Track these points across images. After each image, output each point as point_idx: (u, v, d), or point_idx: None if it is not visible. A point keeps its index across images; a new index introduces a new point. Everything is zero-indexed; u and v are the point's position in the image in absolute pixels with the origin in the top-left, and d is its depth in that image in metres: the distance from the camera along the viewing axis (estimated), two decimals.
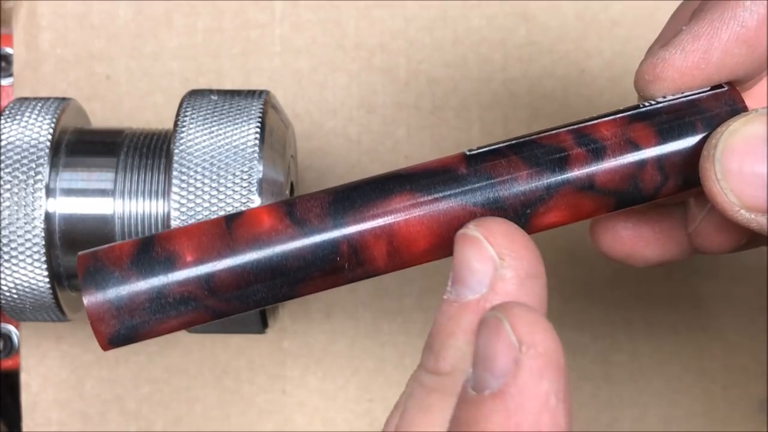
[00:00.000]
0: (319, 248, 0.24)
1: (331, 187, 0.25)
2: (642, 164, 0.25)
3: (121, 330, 0.24)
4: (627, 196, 0.25)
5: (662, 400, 0.42)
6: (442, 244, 0.25)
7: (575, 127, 0.25)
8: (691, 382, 0.42)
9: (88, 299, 0.24)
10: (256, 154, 0.32)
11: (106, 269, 0.24)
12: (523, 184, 0.25)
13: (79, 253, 0.25)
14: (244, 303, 0.25)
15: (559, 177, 0.25)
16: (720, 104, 0.25)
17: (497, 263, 0.22)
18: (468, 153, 0.25)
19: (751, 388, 0.42)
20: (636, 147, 0.25)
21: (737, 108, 0.25)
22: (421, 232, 0.24)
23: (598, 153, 0.25)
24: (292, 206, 0.25)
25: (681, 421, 0.42)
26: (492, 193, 0.24)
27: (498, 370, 0.21)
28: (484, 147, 0.25)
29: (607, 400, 0.42)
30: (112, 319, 0.24)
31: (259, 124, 0.32)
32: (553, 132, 0.25)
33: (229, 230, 0.24)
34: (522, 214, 0.25)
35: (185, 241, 0.24)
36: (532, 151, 0.25)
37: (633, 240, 0.29)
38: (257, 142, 0.32)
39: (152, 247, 0.24)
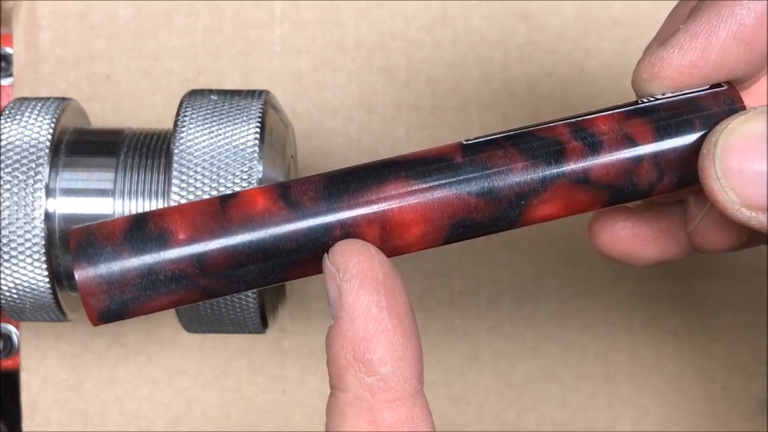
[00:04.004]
0: (312, 231, 0.24)
1: (326, 171, 0.25)
2: (638, 160, 0.25)
3: (112, 305, 0.24)
4: (622, 192, 0.25)
5: (662, 400, 0.42)
6: (435, 232, 0.25)
7: (573, 120, 0.25)
8: (690, 382, 0.42)
9: (79, 273, 0.24)
10: (256, 154, 0.32)
11: (99, 244, 0.24)
12: (518, 176, 0.25)
13: (73, 227, 0.25)
14: (236, 283, 0.25)
15: (555, 170, 0.25)
16: (718, 103, 0.25)
17: (338, 280, 0.23)
18: (465, 142, 0.25)
19: (751, 388, 0.42)
20: (633, 143, 0.25)
21: (735, 107, 0.25)
22: (414, 219, 0.24)
23: (594, 147, 0.25)
24: (287, 189, 0.25)
25: (681, 421, 0.42)
26: (487, 183, 0.25)
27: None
28: (482, 137, 0.25)
29: (606, 400, 0.42)
30: (102, 294, 0.24)
31: (259, 124, 0.32)
32: (551, 125, 0.25)
33: (222, 210, 0.24)
34: (516, 204, 0.25)
35: (179, 219, 0.24)
36: (529, 143, 0.25)
37: (631, 239, 0.29)
38: (257, 142, 0.32)
39: (145, 224, 0.24)
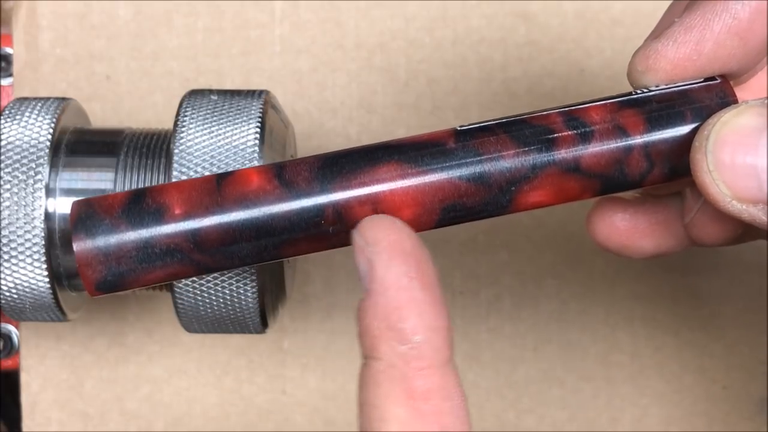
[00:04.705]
0: (305, 211, 0.25)
1: (322, 153, 0.26)
2: (629, 150, 0.25)
3: (108, 276, 0.25)
4: (612, 181, 0.25)
5: (662, 400, 0.42)
6: (426, 215, 0.25)
7: (566, 109, 0.26)
8: (691, 382, 0.42)
9: (77, 244, 0.25)
10: (256, 154, 0.32)
11: (97, 216, 0.25)
12: (510, 162, 0.25)
13: (74, 200, 0.25)
14: (229, 259, 0.25)
15: (546, 157, 0.25)
16: (711, 96, 0.26)
17: (369, 253, 0.24)
18: (459, 128, 0.25)
19: (751, 387, 0.42)
20: (624, 133, 0.25)
21: (728, 100, 0.26)
22: (405, 201, 0.25)
23: (586, 136, 0.25)
24: (282, 168, 0.25)
25: (681, 421, 0.42)
26: (478, 168, 0.25)
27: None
28: (476, 123, 0.25)
29: (607, 400, 0.42)
30: (99, 265, 0.25)
31: (259, 124, 0.32)
32: (545, 113, 0.25)
33: (218, 187, 0.25)
34: (506, 190, 0.25)
35: (175, 195, 0.25)
36: (522, 130, 0.25)
37: (629, 231, 0.30)
38: (257, 142, 0.32)
39: (143, 199, 0.25)
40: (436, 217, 0.25)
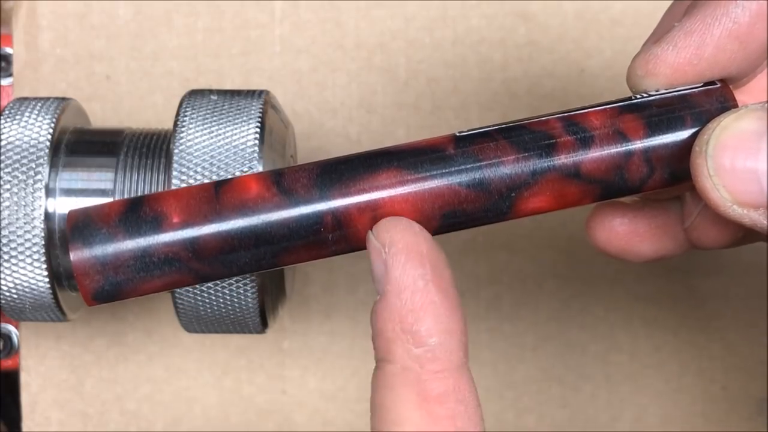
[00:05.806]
0: (304, 219, 0.25)
1: (321, 160, 0.25)
2: (629, 155, 0.25)
3: (106, 286, 0.25)
4: (612, 186, 0.25)
5: (662, 400, 0.42)
6: (426, 221, 0.25)
7: (566, 114, 0.25)
8: (690, 382, 0.42)
9: (74, 254, 0.24)
10: (255, 154, 0.32)
11: (94, 225, 0.25)
12: (509, 168, 0.25)
13: (70, 209, 0.25)
14: (228, 268, 0.25)
15: (546, 163, 0.25)
16: (711, 100, 0.26)
17: (384, 255, 0.24)
18: (458, 134, 0.25)
19: (750, 388, 0.42)
20: (624, 138, 0.25)
21: (728, 105, 0.26)
22: (405, 208, 0.25)
23: (586, 141, 0.25)
24: (281, 176, 0.25)
25: (680, 421, 0.42)
26: (478, 175, 0.25)
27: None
28: (475, 129, 0.25)
29: (606, 400, 0.42)
30: (96, 275, 0.25)
31: (258, 124, 0.32)
32: (544, 118, 0.25)
33: (216, 195, 0.25)
34: (506, 197, 0.25)
35: (173, 203, 0.25)
36: (521, 136, 0.25)
37: (629, 235, 0.30)
38: (257, 142, 0.32)
39: (141, 207, 0.25)
40: (436, 223, 0.25)
